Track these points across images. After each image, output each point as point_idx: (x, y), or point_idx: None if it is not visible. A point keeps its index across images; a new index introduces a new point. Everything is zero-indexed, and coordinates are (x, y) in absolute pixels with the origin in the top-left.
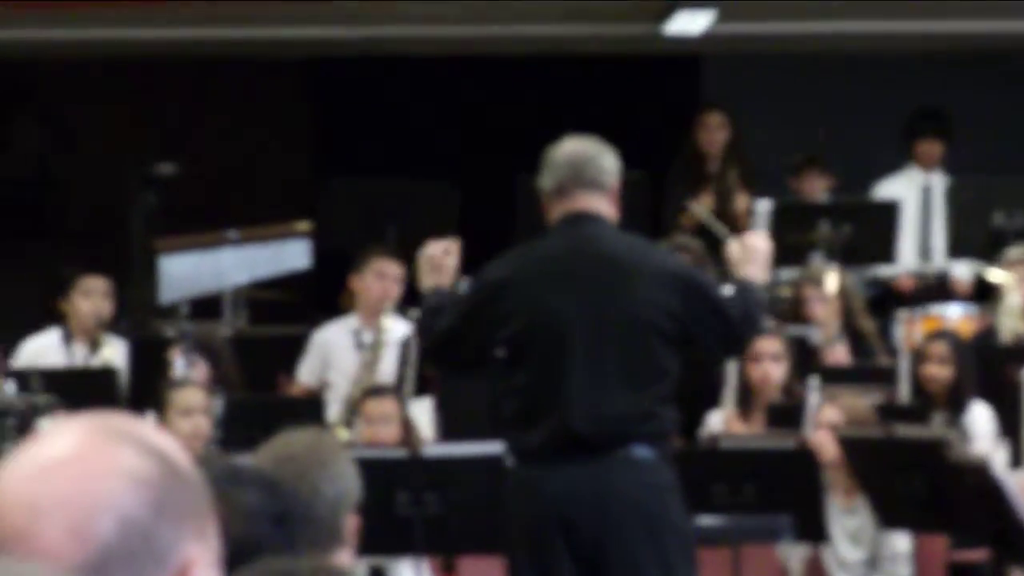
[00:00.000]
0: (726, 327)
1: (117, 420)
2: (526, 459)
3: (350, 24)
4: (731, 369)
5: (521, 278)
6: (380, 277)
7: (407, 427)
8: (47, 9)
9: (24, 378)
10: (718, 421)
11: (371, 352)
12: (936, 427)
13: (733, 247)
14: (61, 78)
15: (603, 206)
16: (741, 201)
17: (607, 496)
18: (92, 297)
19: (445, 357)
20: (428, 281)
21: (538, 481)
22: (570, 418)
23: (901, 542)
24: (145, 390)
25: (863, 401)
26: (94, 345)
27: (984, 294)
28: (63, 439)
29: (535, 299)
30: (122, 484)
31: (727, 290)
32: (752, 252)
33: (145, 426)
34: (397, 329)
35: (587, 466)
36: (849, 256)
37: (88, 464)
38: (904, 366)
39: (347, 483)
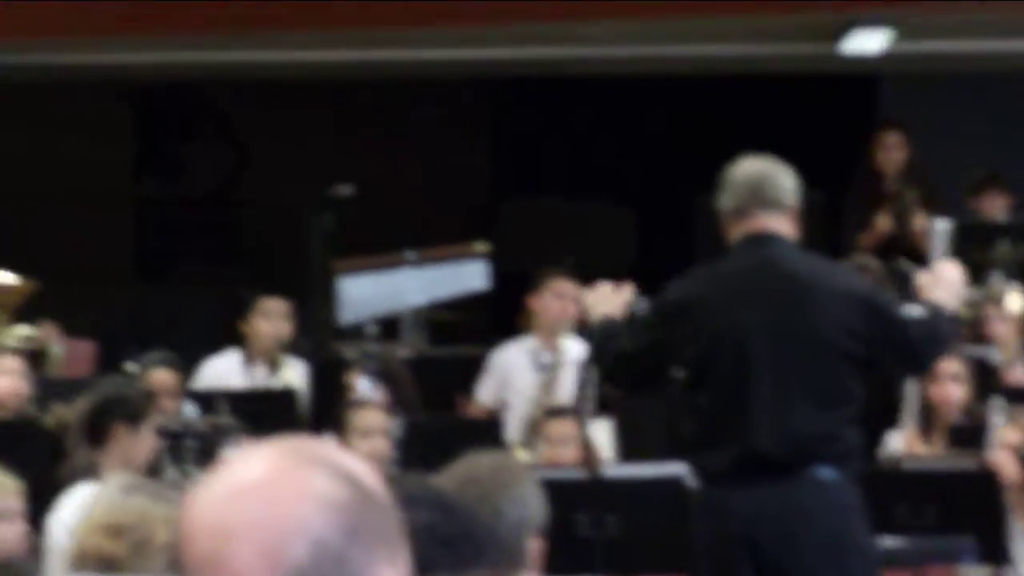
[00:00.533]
0: (907, 347)
1: (308, 444)
2: (711, 480)
3: (529, 45)
4: (910, 390)
5: (704, 299)
6: (558, 297)
7: (587, 448)
8: (228, 32)
9: (206, 400)
10: (898, 442)
11: (549, 373)
12: None
13: (923, 276)
14: (242, 100)
15: (783, 226)
16: (919, 221)
17: (793, 517)
18: (272, 318)
19: (625, 377)
20: (598, 311)
21: (724, 501)
22: (755, 439)
23: None
24: (325, 411)
25: None
26: (274, 366)
27: None
28: (255, 463)
29: (719, 319)
30: (314, 508)
31: (915, 310)
32: (942, 280)
33: (336, 450)
34: (575, 349)
35: (773, 487)
36: None
37: (280, 488)
38: None
39: (530, 506)
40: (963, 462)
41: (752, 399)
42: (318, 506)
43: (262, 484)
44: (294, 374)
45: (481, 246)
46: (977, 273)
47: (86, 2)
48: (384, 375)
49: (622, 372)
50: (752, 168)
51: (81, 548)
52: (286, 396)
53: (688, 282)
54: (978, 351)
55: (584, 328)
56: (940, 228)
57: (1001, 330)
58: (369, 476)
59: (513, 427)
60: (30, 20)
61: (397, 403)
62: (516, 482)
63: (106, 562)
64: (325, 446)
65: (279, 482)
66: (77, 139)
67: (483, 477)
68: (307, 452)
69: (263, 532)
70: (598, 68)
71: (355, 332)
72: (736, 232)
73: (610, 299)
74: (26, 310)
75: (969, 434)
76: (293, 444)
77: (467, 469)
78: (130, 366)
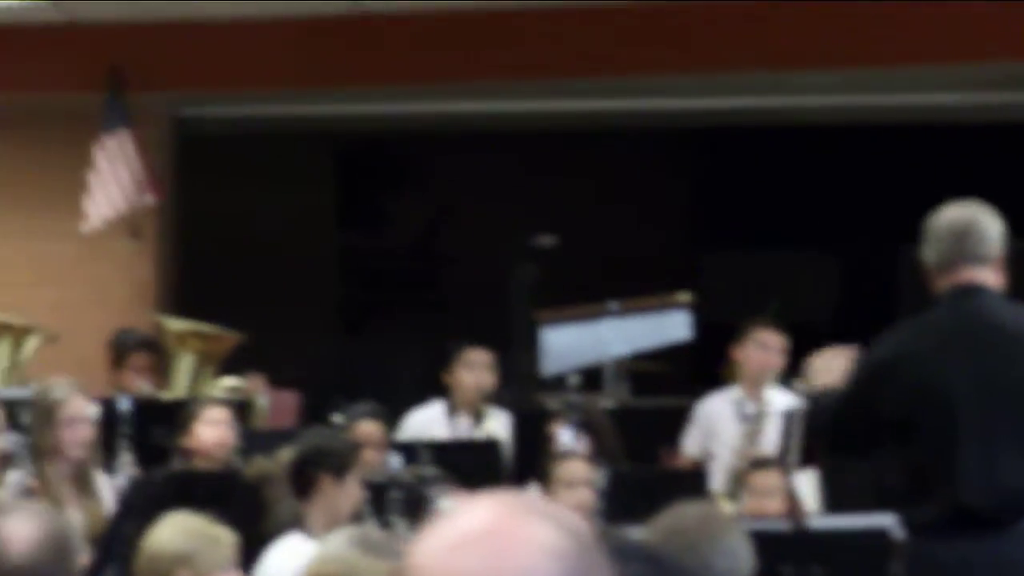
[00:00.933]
0: None
1: (523, 496)
2: (920, 532)
3: (732, 95)
4: None
5: (910, 353)
6: (762, 348)
7: (791, 499)
8: (428, 83)
9: (411, 451)
10: None
11: (753, 423)
12: None
13: None
14: (443, 150)
15: (989, 276)
16: None
17: (1004, 569)
18: (475, 369)
19: (841, 443)
20: (819, 381)
21: (933, 554)
22: (964, 492)
23: None
24: (529, 462)
25: None
26: (477, 417)
27: None
28: (478, 513)
29: (925, 373)
30: (540, 557)
31: None
32: None
33: (549, 502)
34: (780, 400)
35: (982, 540)
36: None
37: (505, 538)
38: None
39: (738, 558)
40: None
41: (960, 452)
42: (543, 556)
43: (488, 534)
44: (497, 425)
45: (684, 296)
46: None
47: (289, 54)
48: (587, 426)
49: (838, 438)
50: (956, 218)
51: None
52: (489, 447)
53: (894, 337)
54: None
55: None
56: None
57: None
58: (586, 528)
59: (718, 478)
60: (234, 73)
61: (600, 454)
62: (723, 533)
63: None
64: (538, 498)
65: (504, 532)
66: (281, 191)
67: (690, 528)
68: (528, 503)
69: None
70: (801, 117)
71: (557, 383)
72: (942, 284)
73: (832, 366)
74: (232, 361)
75: None
76: (513, 496)
77: (674, 520)
78: (336, 417)
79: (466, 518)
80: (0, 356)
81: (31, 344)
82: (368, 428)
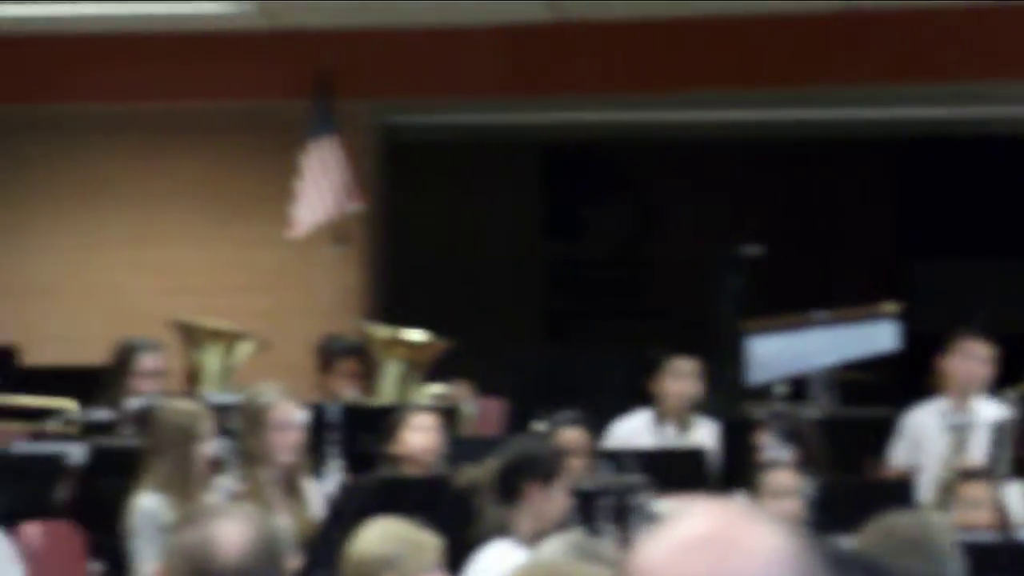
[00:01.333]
0: None
1: (742, 504)
2: None
3: (939, 105)
4: None
5: None
6: (969, 358)
7: (1000, 510)
8: (632, 91)
9: (618, 459)
10: None
11: (961, 434)
12: None
13: None
14: (650, 160)
15: None
16: None
17: None
18: (682, 378)
19: None
20: None
21: None
22: None
23: None
24: (735, 471)
25: None
26: (684, 426)
27: None
28: (700, 519)
29: None
30: (763, 563)
31: None
32: None
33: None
34: (988, 411)
35: None
36: None
37: (730, 544)
38: None
39: (951, 567)
40: None
41: None
42: (768, 562)
43: (713, 539)
44: (704, 433)
45: (891, 306)
46: None
47: (495, 61)
48: (793, 435)
49: None
50: None
51: None
52: (695, 456)
53: None
54: None
55: None
56: None
57: None
58: (805, 535)
59: (925, 489)
60: (441, 80)
61: (806, 463)
62: (937, 542)
63: None
64: (752, 506)
65: (729, 537)
66: (487, 198)
67: (904, 536)
68: (746, 510)
69: None
70: (1011, 127)
71: (764, 392)
72: None
73: None
74: (439, 368)
75: None
76: (728, 503)
77: (887, 528)
78: (540, 425)
79: (689, 523)
80: (212, 362)
81: (243, 350)
82: (572, 435)
